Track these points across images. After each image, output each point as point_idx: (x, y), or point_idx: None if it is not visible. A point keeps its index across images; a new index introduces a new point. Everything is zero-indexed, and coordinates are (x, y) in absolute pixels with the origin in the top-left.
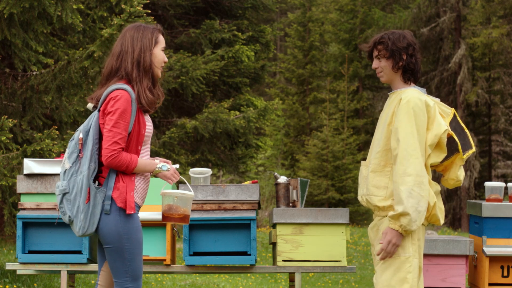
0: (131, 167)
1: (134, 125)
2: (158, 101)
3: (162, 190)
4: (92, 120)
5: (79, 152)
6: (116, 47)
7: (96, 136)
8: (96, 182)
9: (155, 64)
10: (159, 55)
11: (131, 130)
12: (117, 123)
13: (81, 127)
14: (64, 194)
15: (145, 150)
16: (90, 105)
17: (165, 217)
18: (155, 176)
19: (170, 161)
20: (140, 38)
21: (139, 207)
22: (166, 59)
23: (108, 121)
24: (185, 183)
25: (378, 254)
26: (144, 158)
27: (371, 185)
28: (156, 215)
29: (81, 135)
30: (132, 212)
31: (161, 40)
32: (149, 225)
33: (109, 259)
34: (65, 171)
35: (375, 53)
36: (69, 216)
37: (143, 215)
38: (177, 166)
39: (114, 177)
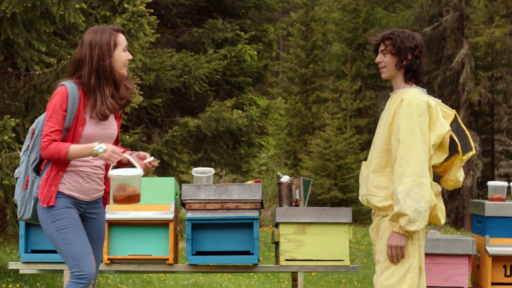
0: (62, 155)
1: (73, 121)
2: (127, 100)
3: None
4: (44, 114)
5: (29, 142)
6: (76, 53)
7: (42, 128)
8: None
9: (117, 68)
10: (121, 57)
11: (70, 126)
12: (51, 117)
13: (37, 119)
14: (16, 179)
15: None
16: None
17: (114, 199)
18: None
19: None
20: (98, 44)
21: (70, 197)
22: (129, 57)
23: (45, 116)
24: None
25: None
26: (79, 145)
27: (371, 185)
28: (159, 215)
29: (33, 126)
30: (45, 205)
31: (121, 41)
32: (152, 224)
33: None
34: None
35: (382, 47)
36: (15, 200)
37: (146, 214)
38: (151, 158)
39: (46, 169)
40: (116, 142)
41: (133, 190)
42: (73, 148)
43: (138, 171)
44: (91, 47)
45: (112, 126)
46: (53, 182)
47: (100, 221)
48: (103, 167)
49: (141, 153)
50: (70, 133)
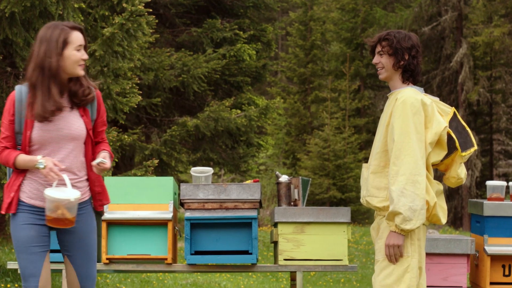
0: (10, 164)
1: (23, 125)
2: (84, 98)
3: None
4: None
5: None
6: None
7: None
8: None
9: (68, 67)
10: (72, 56)
11: (22, 130)
12: (2, 123)
13: None
14: None
15: (46, 153)
16: None
17: (46, 219)
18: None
19: (53, 160)
20: (47, 40)
21: (31, 206)
22: (84, 56)
23: None
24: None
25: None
26: (27, 155)
27: (371, 186)
28: (158, 214)
29: None
30: (3, 212)
31: (74, 39)
32: (150, 224)
33: None
34: None
35: (378, 48)
36: None
37: (145, 214)
38: (98, 160)
39: (10, 175)
40: (88, 142)
41: (61, 213)
42: (20, 158)
43: (70, 195)
44: (40, 42)
45: (71, 125)
46: (12, 188)
47: (82, 226)
48: (77, 171)
49: (101, 153)
50: (23, 138)
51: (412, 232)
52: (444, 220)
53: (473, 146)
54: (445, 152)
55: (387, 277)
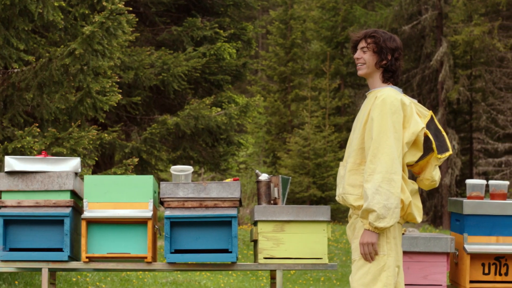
0: None
1: None
2: None
3: None
4: None
5: None
6: None
7: None
8: None
9: None
10: None
11: None
12: None
13: None
14: None
15: None
16: None
17: None
18: None
19: None
20: None
21: None
22: None
23: None
24: None
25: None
26: None
27: (347, 183)
28: (137, 213)
29: None
30: None
31: None
32: (130, 222)
33: None
34: None
35: (362, 44)
36: None
37: (124, 212)
38: None
39: None
40: None
41: None
42: None
43: None
44: None
45: None
46: None
47: None
48: None
49: None
50: None
51: (387, 231)
52: (419, 218)
53: (448, 150)
54: (420, 153)
55: (364, 276)
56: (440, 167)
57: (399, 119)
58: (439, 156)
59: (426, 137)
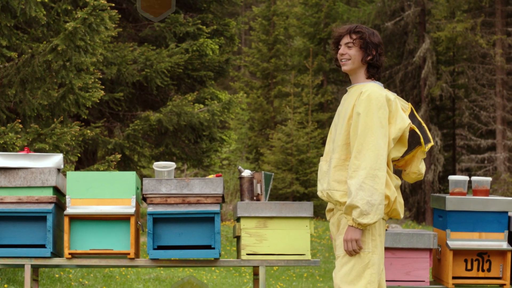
0: None
1: None
2: None
3: None
4: None
5: None
6: None
7: None
8: None
9: None
10: None
11: None
12: None
13: None
14: None
15: None
16: None
17: None
18: None
19: None
20: None
21: None
22: None
23: None
24: None
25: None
26: None
27: (332, 179)
28: (120, 209)
29: None
30: None
31: None
32: (113, 218)
33: None
34: None
35: (346, 39)
36: None
37: (107, 208)
38: None
39: None
40: None
41: None
42: None
43: None
44: None
45: None
46: None
47: None
48: None
49: None
50: None
51: (373, 228)
52: (402, 214)
53: (430, 141)
54: (405, 149)
55: (348, 273)
56: (423, 160)
57: (384, 115)
58: (425, 149)
59: (413, 132)
